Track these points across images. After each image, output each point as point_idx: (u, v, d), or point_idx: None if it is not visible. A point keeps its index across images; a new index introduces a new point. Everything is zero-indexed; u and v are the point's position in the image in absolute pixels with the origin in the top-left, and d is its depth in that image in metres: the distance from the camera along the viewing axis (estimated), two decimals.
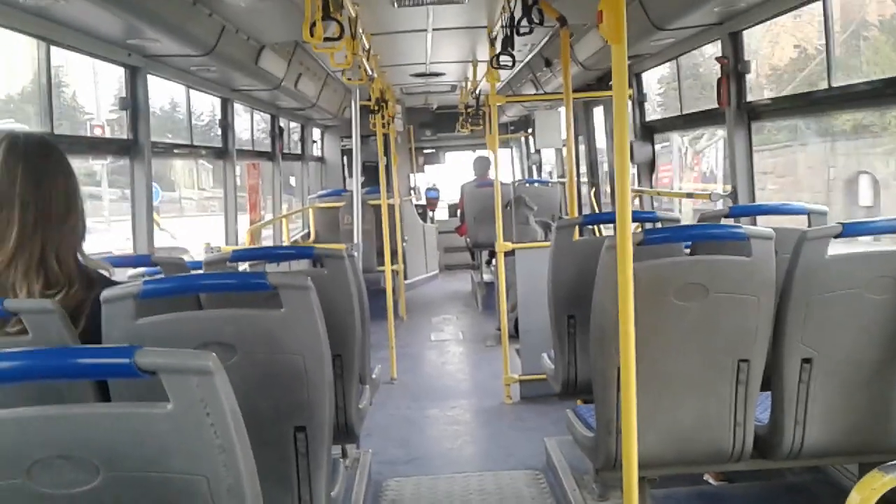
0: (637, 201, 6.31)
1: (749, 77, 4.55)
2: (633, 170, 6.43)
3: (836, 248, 2.65)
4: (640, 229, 3.37)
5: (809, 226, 3.23)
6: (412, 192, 12.25)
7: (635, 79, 6.26)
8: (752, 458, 2.82)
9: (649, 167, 6.41)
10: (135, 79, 4.42)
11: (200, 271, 3.09)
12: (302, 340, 2.24)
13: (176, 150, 5.76)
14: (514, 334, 5.92)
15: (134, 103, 4.42)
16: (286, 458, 2.29)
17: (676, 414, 2.72)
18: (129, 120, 4.44)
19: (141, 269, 3.46)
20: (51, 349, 1.51)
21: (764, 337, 2.67)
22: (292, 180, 10.04)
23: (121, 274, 3.50)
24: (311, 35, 3.52)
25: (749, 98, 4.55)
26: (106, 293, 2.05)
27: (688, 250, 3.28)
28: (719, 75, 4.57)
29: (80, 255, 2.05)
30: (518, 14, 4.22)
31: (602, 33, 2.11)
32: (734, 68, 4.50)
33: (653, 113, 6.58)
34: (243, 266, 3.50)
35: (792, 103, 4.47)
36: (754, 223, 4.00)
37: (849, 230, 2.63)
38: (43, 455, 1.39)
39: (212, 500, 1.43)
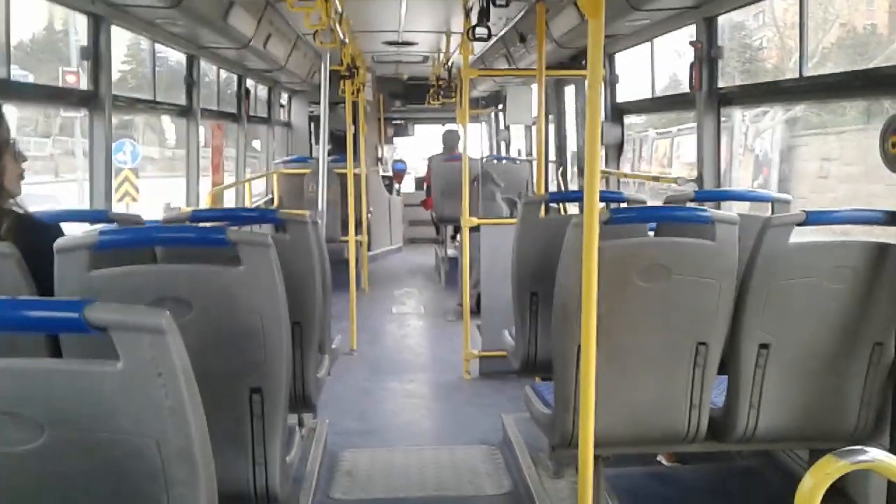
0: (604, 182, 6.32)
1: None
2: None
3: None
4: (606, 209, 3.36)
5: (773, 213, 3.25)
6: (379, 162, 12.15)
7: (608, 60, 6.24)
8: (706, 440, 2.85)
9: (618, 148, 6.41)
10: (98, 28, 4.27)
11: None
12: (260, 299, 2.19)
13: (139, 105, 5.61)
14: (476, 310, 5.93)
15: (95, 53, 4.27)
16: (241, 420, 2.26)
17: (634, 394, 2.73)
18: (90, 70, 4.29)
19: (99, 226, 3.37)
20: None
21: (723, 321, 2.69)
22: (256, 143, 9.87)
23: (78, 229, 3.40)
24: None
25: (720, 84, 4.56)
26: (60, 242, 1.98)
27: (652, 233, 3.29)
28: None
29: None
30: None
31: (581, 6, 2.07)
32: (707, 53, 4.50)
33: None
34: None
35: (761, 90, 4.49)
36: (719, 209, 4.03)
37: (812, 219, 2.65)
38: None
39: (161, 463, 1.39)
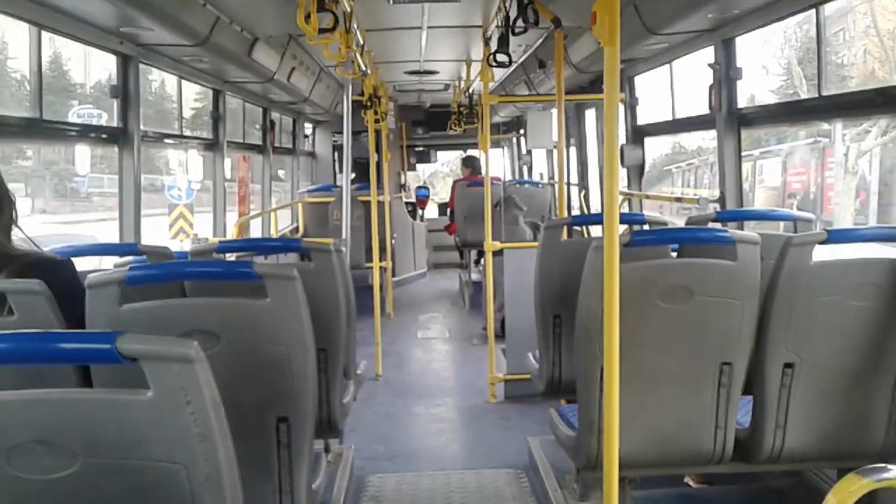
0: (626, 205, 6.33)
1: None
2: (623, 172, 6.45)
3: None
4: (628, 231, 3.38)
5: (795, 232, 3.24)
6: (403, 189, 12.25)
7: (628, 83, 6.28)
8: (733, 460, 2.84)
9: (639, 170, 6.43)
10: (126, 67, 4.40)
11: None
12: (286, 331, 2.24)
13: (166, 140, 5.74)
14: (501, 334, 5.93)
15: (125, 92, 4.40)
16: (268, 449, 2.29)
17: (658, 415, 2.73)
18: (119, 108, 4.42)
19: (128, 259, 3.45)
20: (32, 333, 1.50)
21: (747, 340, 2.68)
22: (281, 173, 10.01)
23: (108, 263, 3.48)
24: (307, 23, 3.51)
25: (740, 105, 4.58)
26: (91, 278, 2.04)
27: (675, 253, 3.30)
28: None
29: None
30: (513, 14, 4.23)
31: (595, 35, 2.11)
32: (726, 75, 4.52)
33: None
34: (230, 258, 3.49)
35: (782, 111, 4.50)
36: (741, 229, 4.02)
37: (834, 237, 2.65)
38: (21, 440, 1.38)
39: (190, 489, 1.43)
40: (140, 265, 2.30)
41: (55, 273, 2.05)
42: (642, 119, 6.33)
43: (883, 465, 1.54)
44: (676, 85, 5.67)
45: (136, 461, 1.42)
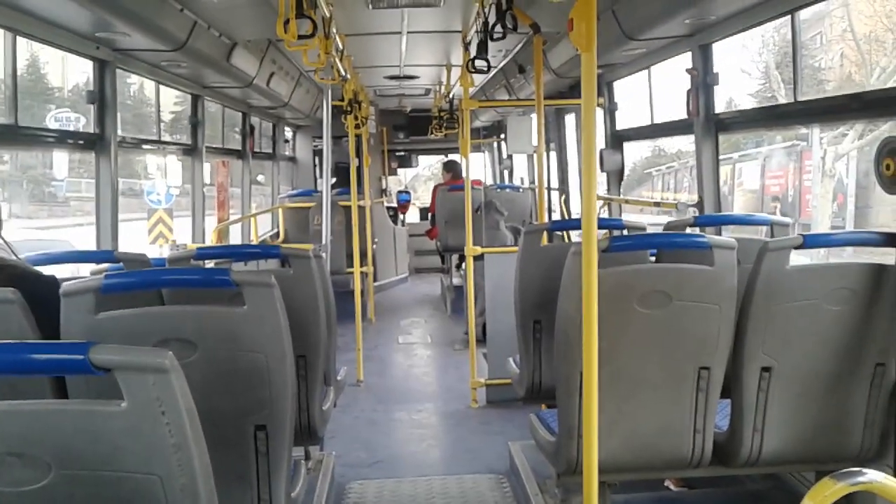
0: (606, 210, 6.36)
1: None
2: (602, 177, 6.48)
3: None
4: (606, 236, 3.40)
5: (772, 237, 3.27)
6: (384, 194, 12.23)
7: (607, 88, 6.31)
8: (712, 464, 2.85)
9: (618, 175, 6.46)
10: (103, 72, 4.37)
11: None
12: (264, 338, 2.22)
13: (144, 146, 5.70)
14: (482, 338, 5.93)
15: (101, 97, 4.36)
16: (246, 458, 2.28)
17: (637, 419, 2.74)
18: (96, 114, 4.38)
19: (104, 266, 3.42)
20: (4, 344, 1.48)
21: (725, 345, 2.70)
22: (261, 178, 9.97)
23: (84, 270, 3.45)
24: (285, 32, 3.50)
25: (718, 109, 4.61)
26: (66, 286, 2.02)
27: (653, 258, 3.31)
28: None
29: None
30: (492, 20, 4.23)
31: (573, 41, 2.12)
32: (703, 80, 4.56)
33: None
34: (209, 265, 3.47)
35: (759, 116, 4.54)
36: (719, 233, 4.06)
37: (809, 242, 2.68)
38: None
39: (166, 500, 1.41)
40: (116, 273, 2.27)
41: (38, 287, 2.04)
42: (621, 124, 6.36)
43: (858, 468, 1.55)
44: (655, 90, 5.71)
45: (111, 472, 1.40)
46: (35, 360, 1.39)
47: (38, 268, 2.36)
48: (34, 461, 1.38)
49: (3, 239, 2.11)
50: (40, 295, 2.00)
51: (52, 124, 7.78)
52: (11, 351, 1.40)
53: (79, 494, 1.41)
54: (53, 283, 2.10)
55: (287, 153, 11.21)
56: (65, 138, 4.71)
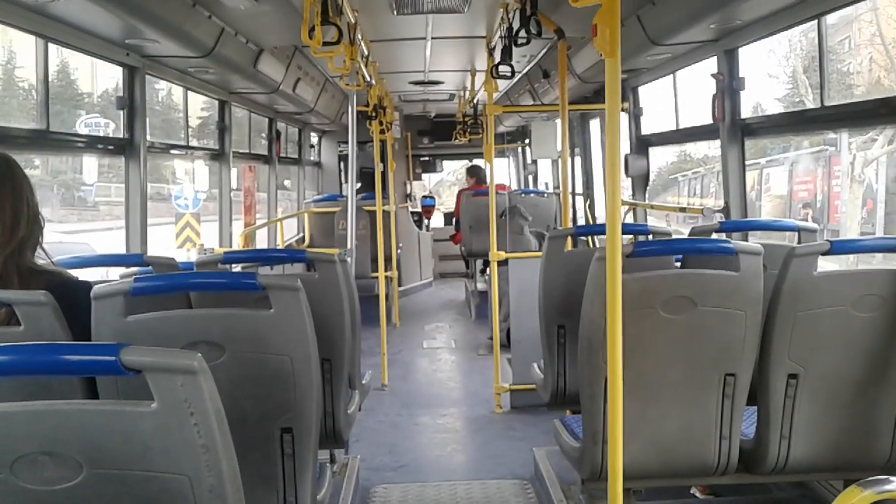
0: (631, 215, 6.34)
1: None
2: (627, 182, 6.46)
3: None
4: (631, 241, 3.39)
5: (799, 242, 3.24)
6: (408, 199, 12.27)
7: (632, 92, 6.29)
8: (738, 472, 2.83)
9: (644, 180, 6.44)
10: (132, 78, 4.44)
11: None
12: (290, 341, 2.25)
13: (172, 151, 5.77)
14: (506, 344, 5.93)
15: (131, 103, 4.43)
16: (272, 459, 2.30)
17: (662, 426, 2.73)
18: (125, 119, 4.45)
19: (133, 269, 3.47)
20: (37, 345, 1.51)
21: (751, 351, 2.68)
22: (287, 183, 10.06)
23: (113, 273, 3.50)
24: (311, 38, 3.54)
25: (744, 114, 4.58)
26: (97, 290, 2.06)
27: (678, 264, 3.30)
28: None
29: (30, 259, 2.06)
30: (516, 25, 4.24)
31: (597, 46, 2.13)
32: (729, 85, 4.53)
33: None
34: (236, 269, 3.51)
35: (785, 121, 4.51)
36: (746, 239, 4.02)
37: (837, 248, 2.65)
38: (26, 450, 1.39)
39: (194, 500, 1.43)
40: (145, 276, 2.31)
41: (78, 294, 2.08)
42: (647, 129, 6.33)
43: (886, 476, 1.53)
44: (680, 95, 5.68)
45: (141, 472, 1.43)
46: (68, 360, 1.42)
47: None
48: (66, 460, 1.41)
49: (44, 251, 2.15)
50: (74, 299, 2.04)
51: (82, 129, 7.91)
52: (45, 352, 1.43)
53: (109, 493, 1.44)
54: (86, 287, 2.14)
55: (313, 158, 11.29)
56: (95, 143, 4.79)
